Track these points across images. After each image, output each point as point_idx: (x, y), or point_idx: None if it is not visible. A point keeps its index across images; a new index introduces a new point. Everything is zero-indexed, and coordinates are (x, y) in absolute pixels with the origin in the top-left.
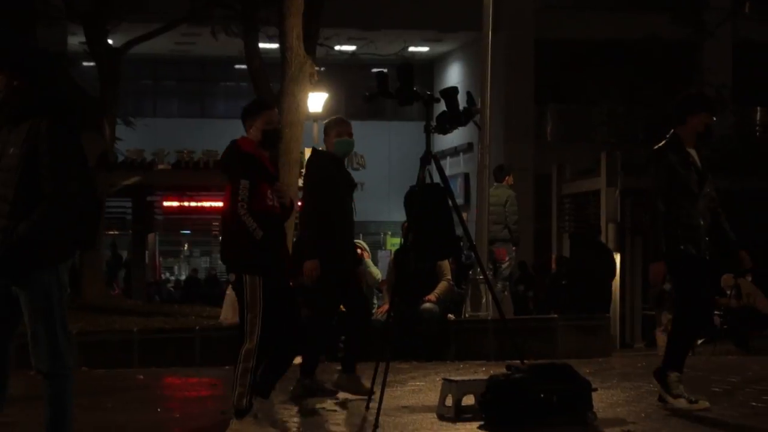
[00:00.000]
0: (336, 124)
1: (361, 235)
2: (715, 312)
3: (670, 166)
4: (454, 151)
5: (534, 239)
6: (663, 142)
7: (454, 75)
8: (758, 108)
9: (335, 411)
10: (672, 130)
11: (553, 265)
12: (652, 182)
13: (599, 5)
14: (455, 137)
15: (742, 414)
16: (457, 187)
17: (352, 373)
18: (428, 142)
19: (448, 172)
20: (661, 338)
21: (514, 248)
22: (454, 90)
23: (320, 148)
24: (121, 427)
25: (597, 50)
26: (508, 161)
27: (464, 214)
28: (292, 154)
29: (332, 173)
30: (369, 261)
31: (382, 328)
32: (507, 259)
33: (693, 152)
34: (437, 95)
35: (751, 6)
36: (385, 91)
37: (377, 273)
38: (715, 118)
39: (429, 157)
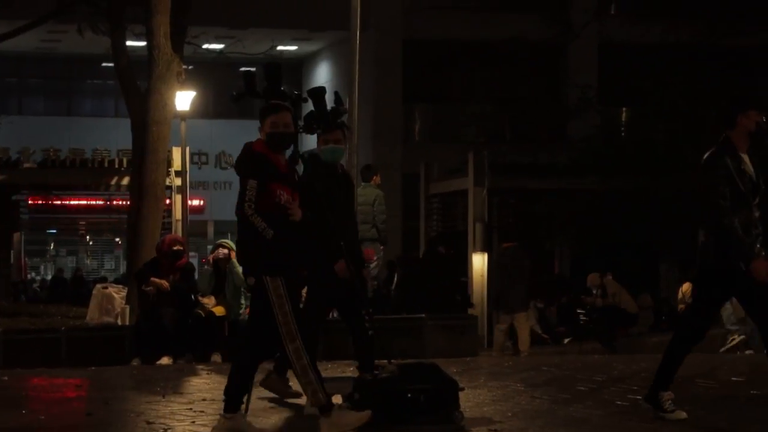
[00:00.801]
0: (324, 132)
1: (229, 234)
2: (580, 311)
3: (728, 174)
4: None
5: (402, 238)
6: (715, 148)
7: (323, 74)
8: (623, 108)
9: (203, 412)
10: (723, 134)
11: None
12: (706, 191)
13: (467, 6)
14: None
15: (608, 413)
16: None
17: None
18: (296, 142)
19: None
20: (500, 336)
21: (382, 248)
22: (321, 90)
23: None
24: None
25: (465, 50)
26: (377, 160)
27: None
28: (159, 153)
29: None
30: (236, 261)
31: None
32: (375, 258)
33: (746, 157)
34: (305, 95)
35: (616, 7)
36: (253, 91)
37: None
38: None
39: (297, 157)
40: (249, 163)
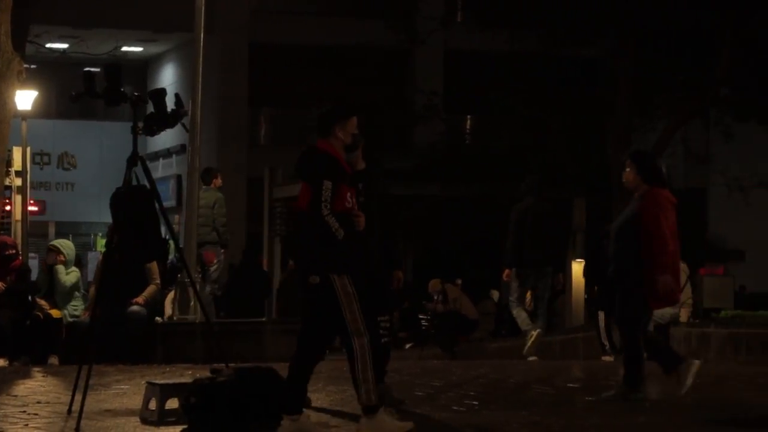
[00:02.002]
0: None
1: (70, 236)
2: (422, 317)
3: None
4: (167, 153)
5: (246, 242)
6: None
7: (168, 76)
8: (468, 116)
9: (36, 415)
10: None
11: (265, 267)
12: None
13: (314, 10)
14: (168, 138)
15: (444, 417)
16: (170, 189)
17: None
18: (135, 144)
19: (160, 174)
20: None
21: (222, 251)
22: (162, 91)
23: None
24: None
25: (311, 55)
26: (222, 164)
27: (176, 217)
28: None
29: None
30: (62, 267)
31: (87, 330)
32: (215, 261)
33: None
34: (146, 96)
35: (463, 15)
36: (92, 91)
37: (69, 280)
38: None
39: (135, 158)
40: (324, 164)
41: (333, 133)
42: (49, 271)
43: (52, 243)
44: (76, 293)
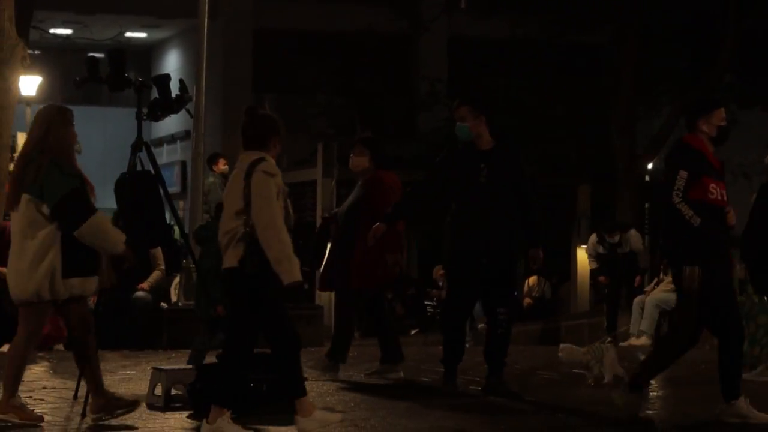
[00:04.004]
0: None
1: None
2: (427, 303)
3: None
4: (171, 139)
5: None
6: None
7: (172, 62)
8: None
9: (43, 400)
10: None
11: None
12: None
13: None
14: (172, 124)
15: (450, 404)
16: (174, 175)
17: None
18: (139, 129)
19: (165, 160)
20: None
21: None
22: (166, 77)
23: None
24: None
25: (315, 41)
26: (226, 149)
27: (181, 203)
28: (3, 139)
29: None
30: None
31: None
32: None
33: None
34: (151, 82)
35: (466, 1)
36: (96, 77)
37: None
38: None
39: (140, 144)
40: (682, 156)
41: (697, 127)
42: None
43: None
44: None
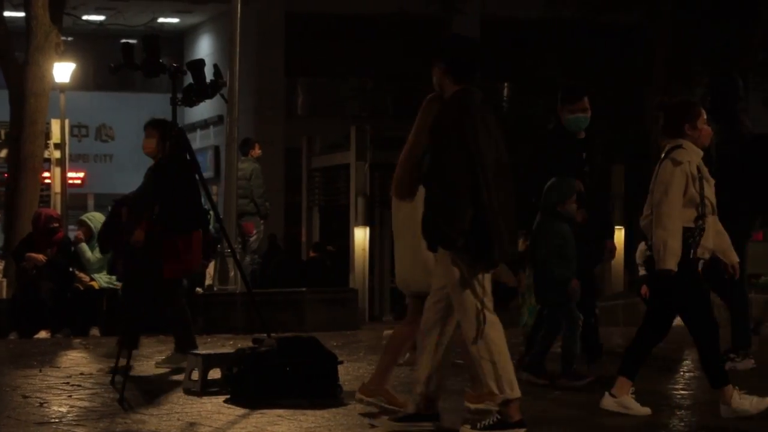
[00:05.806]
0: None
1: (109, 207)
2: None
3: None
4: (204, 124)
5: (285, 212)
6: None
7: (204, 47)
8: (505, 84)
9: (80, 386)
10: None
11: (303, 238)
12: None
13: None
14: (205, 110)
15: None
16: (207, 161)
17: None
18: (174, 115)
19: (198, 145)
20: None
21: (262, 222)
22: (200, 62)
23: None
24: None
25: (348, 24)
26: (259, 135)
27: (215, 188)
28: (37, 125)
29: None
30: (84, 246)
31: (121, 302)
32: (254, 232)
33: None
34: (185, 67)
35: None
36: (131, 63)
37: (93, 257)
38: None
39: (175, 129)
40: None
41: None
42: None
43: (81, 217)
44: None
